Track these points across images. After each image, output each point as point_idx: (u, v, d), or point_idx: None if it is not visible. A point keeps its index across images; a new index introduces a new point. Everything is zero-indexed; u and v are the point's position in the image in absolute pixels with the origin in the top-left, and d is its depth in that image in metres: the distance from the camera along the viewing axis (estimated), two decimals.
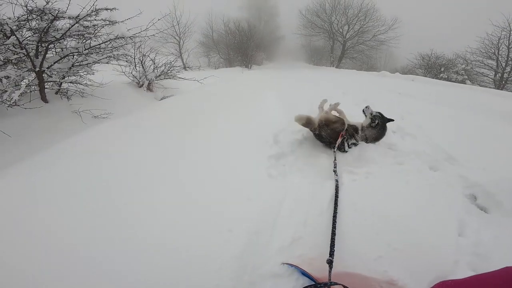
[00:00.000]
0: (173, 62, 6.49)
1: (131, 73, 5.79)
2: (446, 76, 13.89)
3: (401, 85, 7.09)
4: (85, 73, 4.26)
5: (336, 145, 2.10)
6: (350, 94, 4.95)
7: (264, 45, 23.79)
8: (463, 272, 1.22)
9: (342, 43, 21.25)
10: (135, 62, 5.91)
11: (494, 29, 14.15)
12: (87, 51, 3.81)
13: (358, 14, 20.10)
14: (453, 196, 1.75)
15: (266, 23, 28.26)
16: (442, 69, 14.71)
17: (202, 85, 6.18)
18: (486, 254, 1.33)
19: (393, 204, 1.61)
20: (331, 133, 2.19)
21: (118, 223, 1.46)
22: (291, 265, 1.26)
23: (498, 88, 12.85)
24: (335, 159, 1.98)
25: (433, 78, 12.57)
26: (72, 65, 3.79)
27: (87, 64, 3.96)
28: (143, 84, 5.81)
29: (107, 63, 4.33)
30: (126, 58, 5.00)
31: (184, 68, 14.70)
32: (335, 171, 1.85)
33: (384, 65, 22.06)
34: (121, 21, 3.98)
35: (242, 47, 19.54)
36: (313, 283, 1.14)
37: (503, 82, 13.87)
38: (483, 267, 1.22)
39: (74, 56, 3.87)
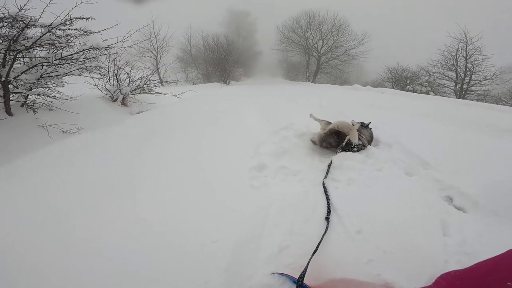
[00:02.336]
0: (149, 76, 6.36)
1: (105, 86, 5.58)
2: (412, 88, 14.87)
3: (372, 98, 7.47)
4: (54, 85, 4.04)
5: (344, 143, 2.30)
6: (327, 107, 5.12)
7: (242, 60, 24.22)
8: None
9: (317, 58, 22.22)
10: (109, 75, 5.72)
11: (452, 41, 15.41)
12: (58, 61, 3.62)
13: (332, 29, 21.27)
14: (431, 198, 1.82)
15: (245, 38, 28.97)
16: (408, 82, 15.76)
17: (179, 100, 6.11)
18: (473, 252, 1.35)
19: (376, 208, 1.64)
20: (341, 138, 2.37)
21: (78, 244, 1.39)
22: (282, 274, 1.22)
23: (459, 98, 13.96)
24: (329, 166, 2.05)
25: (400, 90, 13.41)
26: (41, 76, 3.59)
27: (57, 75, 3.77)
28: (117, 99, 5.60)
29: (79, 75, 4.16)
30: (100, 71, 4.82)
31: (161, 82, 14.46)
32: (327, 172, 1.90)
33: (356, 79, 23.27)
34: (97, 32, 3.84)
35: (220, 62, 19.74)
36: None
37: (463, 92, 15.07)
38: (467, 264, 1.24)
39: (44, 67, 3.67)
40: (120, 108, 5.49)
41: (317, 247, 1.30)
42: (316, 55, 22.16)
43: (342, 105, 5.61)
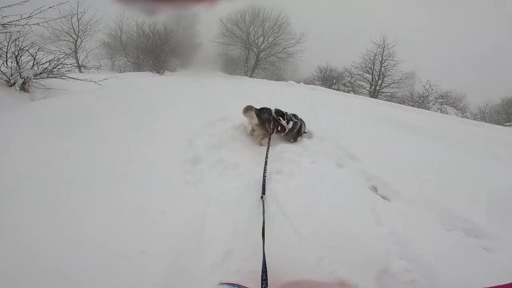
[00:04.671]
0: (62, 59, 5.24)
1: None
2: (336, 88, 16.57)
3: (305, 94, 7.96)
4: None
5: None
6: (263, 101, 5.14)
7: (180, 51, 22.74)
8: (396, 261, 1.29)
9: (256, 54, 22.56)
10: (6, 56, 4.51)
11: (372, 46, 17.80)
12: None
13: (274, 27, 21.74)
14: (360, 188, 1.96)
15: (186, 28, 27.17)
16: (334, 81, 17.55)
17: (101, 87, 5.23)
18: (404, 242, 1.44)
19: (316, 200, 1.66)
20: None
21: None
22: (233, 284, 1.07)
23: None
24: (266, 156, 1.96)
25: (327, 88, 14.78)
26: None
27: None
28: (15, 83, 4.44)
29: None
30: None
31: (78, 67, 12.37)
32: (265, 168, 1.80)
33: (290, 76, 24.53)
34: None
35: (155, 51, 18.07)
36: None
37: (376, 94, 17.62)
38: (407, 255, 1.34)
39: None
40: (19, 94, 4.36)
41: (263, 240, 1.17)
42: (256, 50, 22.47)
43: (277, 100, 5.76)
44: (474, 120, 10.67)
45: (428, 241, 1.46)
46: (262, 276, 1.02)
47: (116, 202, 1.42)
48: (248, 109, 2.36)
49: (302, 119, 2.79)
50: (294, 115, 2.73)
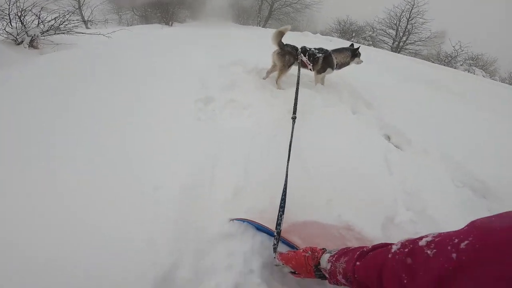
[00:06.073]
0: (68, 16, 5.06)
1: (4, 29, 4.28)
2: (356, 41, 15.52)
3: (321, 44, 7.44)
4: None
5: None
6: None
7: (189, 2, 21.38)
8: (403, 211, 1.28)
9: (270, 4, 20.93)
10: (9, 18, 4.40)
11: (400, 2, 16.16)
12: None
13: None
14: (374, 135, 1.93)
15: None
16: (354, 35, 16.41)
17: (110, 40, 5.08)
18: (412, 192, 1.43)
19: (328, 143, 1.64)
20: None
21: None
22: (243, 220, 1.08)
23: None
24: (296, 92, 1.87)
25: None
26: None
27: None
28: (23, 41, 4.37)
29: None
30: None
31: (85, 24, 11.83)
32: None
33: (305, 28, 22.98)
34: None
35: (163, 3, 17.03)
36: (274, 236, 0.98)
37: (398, 50, 16.51)
38: (414, 206, 1.33)
39: None
40: (28, 51, 4.30)
41: (285, 184, 1.15)
42: (270, 0, 20.81)
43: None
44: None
45: (436, 194, 1.45)
46: (280, 203, 1.05)
47: (130, 139, 1.44)
48: (277, 33, 2.31)
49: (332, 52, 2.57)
50: (320, 49, 2.55)
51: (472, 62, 14.37)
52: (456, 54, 14.57)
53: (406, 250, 0.63)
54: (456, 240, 0.52)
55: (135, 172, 1.24)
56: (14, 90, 1.79)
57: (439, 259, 0.53)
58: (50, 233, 0.94)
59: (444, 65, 12.99)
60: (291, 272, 0.95)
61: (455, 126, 2.41)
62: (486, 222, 0.52)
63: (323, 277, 0.87)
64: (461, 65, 13.86)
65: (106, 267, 0.87)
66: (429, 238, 0.60)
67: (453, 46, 14.62)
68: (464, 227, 0.55)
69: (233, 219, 1.09)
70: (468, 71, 12.19)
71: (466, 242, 0.50)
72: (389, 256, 0.66)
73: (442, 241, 0.56)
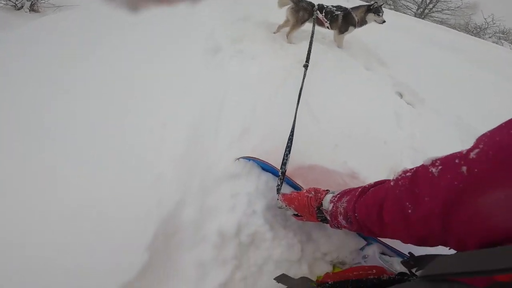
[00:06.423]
0: None
1: None
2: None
3: (338, 3, 6.95)
4: None
5: None
6: None
7: None
8: (408, 166, 1.23)
9: None
10: None
11: None
12: None
13: None
14: (386, 90, 1.88)
15: None
16: None
17: None
18: (420, 149, 1.42)
19: (338, 91, 1.62)
20: None
21: None
22: (248, 158, 1.07)
23: None
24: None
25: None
26: None
27: None
28: (22, 6, 4.15)
29: None
30: None
31: None
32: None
33: None
34: None
35: None
36: (279, 176, 0.97)
37: (423, 17, 15.41)
38: (420, 162, 1.30)
39: None
40: (29, 15, 4.12)
41: (298, 102, 1.16)
42: None
43: None
44: None
45: (443, 154, 1.44)
46: (287, 143, 1.03)
47: (139, 84, 1.41)
48: None
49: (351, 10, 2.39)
50: (339, 7, 2.38)
51: (502, 35, 13.38)
52: (486, 26, 13.52)
53: (409, 174, 0.53)
54: (465, 151, 0.43)
55: (148, 107, 1.25)
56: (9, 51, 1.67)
57: (446, 177, 0.43)
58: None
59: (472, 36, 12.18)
60: (294, 215, 0.93)
61: (473, 92, 2.33)
62: (496, 128, 0.42)
63: (325, 220, 0.82)
64: (489, 37, 12.94)
65: (108, 208, 0.89)
66: (435, 156, 0.50)
67: (485, 18, 13.58)
68: None
69: (238, 158, 1.09)
70: (497, 44, 11.43)
71: (476, 150, 0.40)
72: (391, 184, 0.56)
73: (449, 156, 0.46)
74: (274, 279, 0.77)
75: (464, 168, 0.40)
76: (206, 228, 0.96)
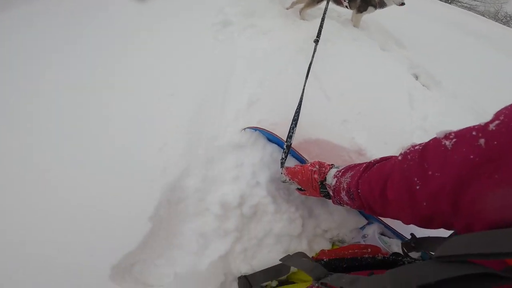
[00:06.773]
0: None
1: None
2: None
3: None
4: None
5: None
6: None
7: None
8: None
9: None
10: None
11: None
12: None
13: None
14: (401, 71, 1.81)
15: None
16: None
17: None
18: (431, 130, 1.37)
19: (351, 68, 1.57)
20: None
21: None
22: (255, 128, 1.06)
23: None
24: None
25: None
26: None
27: None
28: None
29: None
30: None
31: None
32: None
33: None
34: None
35: None
36: (283, 149, 0.96)
37: (450, 1, 14.56)
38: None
39: None
40: None
41: (306, 78, 1.12)
42: None
43: None
44: None
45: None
46: (294, 116, 1.01)
47: (146, 53, 1.43)
48: None
49: None
50: None
51: None
52: None
53: (419, 147, 0.48)
54: (483, 123, 0.38)
55: (155, 75, 1.27)
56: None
57: (461, 150, 0.38)
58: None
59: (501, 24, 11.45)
60: (298, 189, 0.92)
61: (495, 80, 2.21)
62: None
63: (328, 195, 0.80)
64: None
65: (114, 177, 0.92)
66: (448, 130, 0.44)
67: None
68: None
69: (245, 128, 1.08)
70: None
71: (496, 122, 0.36)
72: (399, 159, 0.51)
73: (466, 129, 0.41)
74: (280, 260, 0.76)
75: (482, 141, 0.36)
76: (209, 198, 0.97)
